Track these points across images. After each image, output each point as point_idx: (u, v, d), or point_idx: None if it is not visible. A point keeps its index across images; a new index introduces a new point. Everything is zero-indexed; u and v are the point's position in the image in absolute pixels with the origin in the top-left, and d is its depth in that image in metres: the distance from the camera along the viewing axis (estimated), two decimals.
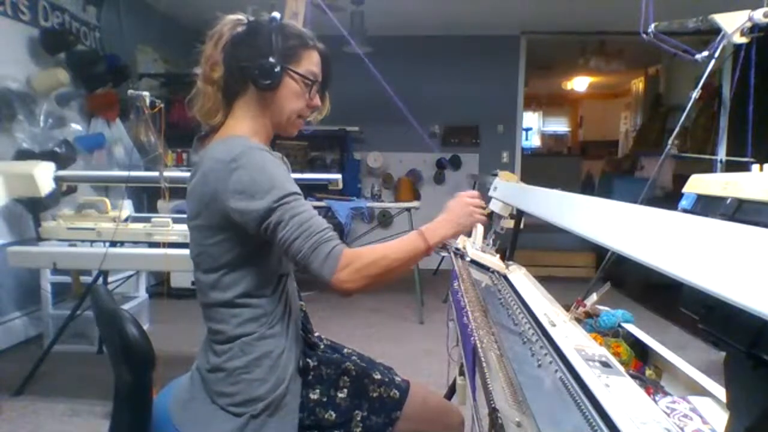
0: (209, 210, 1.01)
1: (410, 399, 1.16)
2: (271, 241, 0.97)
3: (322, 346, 1.23)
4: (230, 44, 1.08)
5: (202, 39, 1.10)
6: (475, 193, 1.17)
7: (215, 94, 1.09)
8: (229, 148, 1.00)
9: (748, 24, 1.31)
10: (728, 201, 0.68)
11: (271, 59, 1.04)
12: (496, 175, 2.66)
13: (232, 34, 1.08)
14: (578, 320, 1.25)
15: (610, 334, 1.23)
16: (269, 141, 1.14)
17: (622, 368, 0.87)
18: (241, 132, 1.07)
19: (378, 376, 1.16)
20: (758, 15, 1.29)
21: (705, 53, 1.43)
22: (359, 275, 0.94)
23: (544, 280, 1.49)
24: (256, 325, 1.03)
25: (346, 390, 1.11)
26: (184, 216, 2.96)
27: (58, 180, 2.46)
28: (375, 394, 1.13)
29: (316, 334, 1.28)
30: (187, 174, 3.37)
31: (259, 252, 1.04)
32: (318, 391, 1.09)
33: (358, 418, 1.10)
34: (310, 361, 1.12)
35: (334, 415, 1.08)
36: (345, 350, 1.28)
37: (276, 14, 1.07)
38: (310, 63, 1.10)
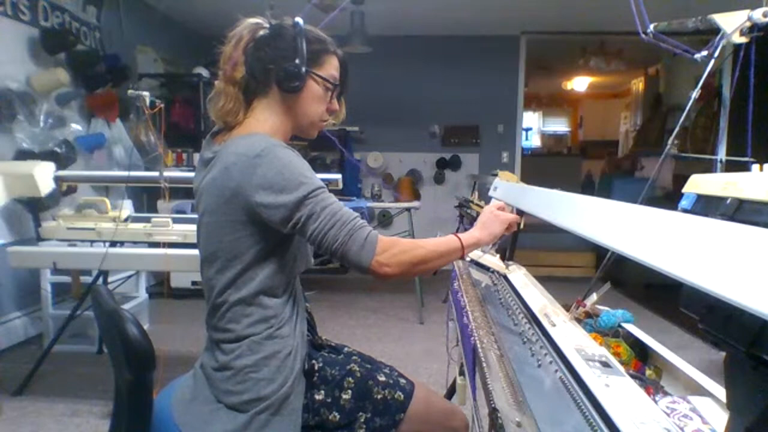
0: (230, 205, 1.01)
1: (414, 401, 1.15)
2: (301, 235, 0.99)
3: (326, 348, 1.24)
4: (253, 46, 1.09)
5: (221, 40, 1.11)
6: (502, 204, 1.25)
7: (237, 94, 1.10)
8: (251, 143, 1.01)
9: (748, 24, 1.31)
10: (728, 201, 0.68)
11: (297, 62, 1.06)
12: (496, 175, 2.66)
13: (253, 36, 1.10)
14: (578, 320, 1.25)
15: (610, 334, 1.23)
16: (287, 141, 1.15)
17: (622, 368, 0.87)
18: (262, 130, 1.08)
19: (382, 378, 1.16)
20: (757, 15, 1.29)
21: (704, 52, 1.43)
22: (397, 260, 0.97)
23: (544, 280, 1.49)
24: (266, 326, 1.04)
25: (350, 391, 1.11)
26: (185, 216, 2.95)
27: (58, 180, 2.46)
28: (379, 396, 1.13)
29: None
30: (188, 174, 3.36)
31: (276, 250, 1.04)
32: (323, 391, 1.09)
33: (362, 420, 1.10)
34: (315, 362, 1.12)
35: (338, 416, 1.08)
36: (345, 349, 1.28)
37: (299, 19, 1.09)
38: (332, 67, 1.13)
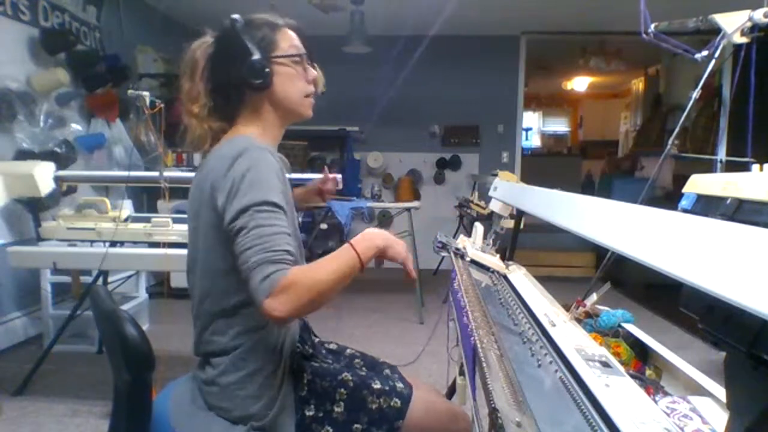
0: (207, 208, 0.99)
1: (414, 406, 1.11)
2: (232, 246, 0.92)
3: (321, 356, 1.18)
4: (210, 68, 1.07)
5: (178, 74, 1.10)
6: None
7: (201, 124, 1.07)
8: (233, 145, 0.99)
9: (748, 24, 1.31)
10: (728, 201, 0.68)
11: (255, 57, 1.03)
12: (495, 175, 2.66)
13: (205, 58, 1.08)
14: (578, 320, 1.25)
15: (610, 334, 1.23)
16: (279, 138, 1.13)
17: (622, 368, 0.87)
18: (247, 133, 1.06)
19: (377, 386, 1.10)
20: (758, 15, 1.29)
21: (705, 52, 1.43)
22: (291, 305, 0.85)
23: (544, 280, 1.49)
24: (249, 338, 1.00)
25: (342, 403, 1.06)
26: (185, 216, 2.95)
27: (58, 180, 2.46)
28: (374, 406, 1.08)
29: (317, 340, 1.24)
30: (188, 174, 3.34)
31: None
32: (313, 406, 1.05)
33: None
34: (305, 374, 1.07)
35: (331, 431, 1.04)
36: (348, 350, 1.25)
37: (236, 16, 1.06)
38: (289, 40, 1.09)
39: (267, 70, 1.04)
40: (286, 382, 1.04)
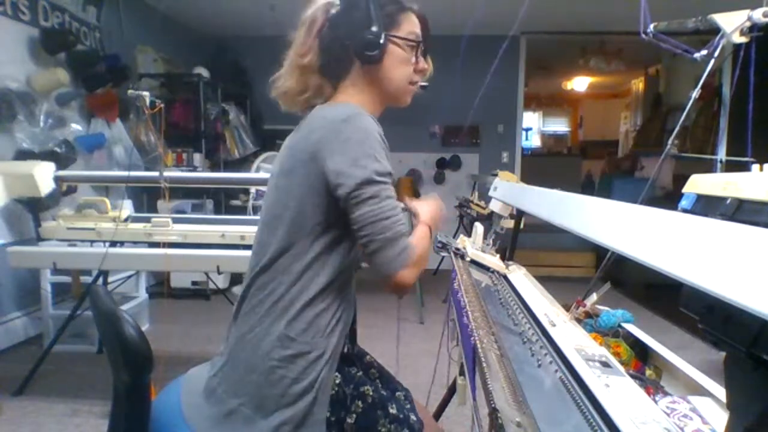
0: (305, 169, 0.96)
1: None
2: (351, 211, 0.93)
3: (352, 356, 1.15)
4: (328, 27, 1.05)
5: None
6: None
7: (303, 77, 1.07)
8: (339, 110, 0.98)
9: (748, 24, 1.31)
10: (728, 201, 0.68)
11: (374, 29, 1.01)
12: (495, 175, 2.66)
13: (327, 17, 1.06)
14: (578, 320, 1.25)
15: (610, 334, 1.23)
16: (379, 116, 1.11)
17: (622, 368, 0.87)
18: (350, 102, 1.05)
19: (393, 410, 1.05)
20: (757, 15, 1.29)
21: (704, 52, 1.43)
22: (416, 273, 0.95)
23: (544, 280, 1.49)
24: (302, 320, 0.97)
25: (355, 416, 1.01)
26: (185, 216, 2.95)
27: (58, 180, 2.46)
28: (383, 430, 1.02)
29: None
30: (188, 174, 3.35)
31: (339, 228, 0.98)
32: (331, 408, 1.00)
33: None
34: (336, 375, 1.03)
35: None
36: (367, 357, 1.21)
37: None
38: (411, 25, 1.08)
39: (380, 44, 1.03)
40: (325, 372, 0.98)
